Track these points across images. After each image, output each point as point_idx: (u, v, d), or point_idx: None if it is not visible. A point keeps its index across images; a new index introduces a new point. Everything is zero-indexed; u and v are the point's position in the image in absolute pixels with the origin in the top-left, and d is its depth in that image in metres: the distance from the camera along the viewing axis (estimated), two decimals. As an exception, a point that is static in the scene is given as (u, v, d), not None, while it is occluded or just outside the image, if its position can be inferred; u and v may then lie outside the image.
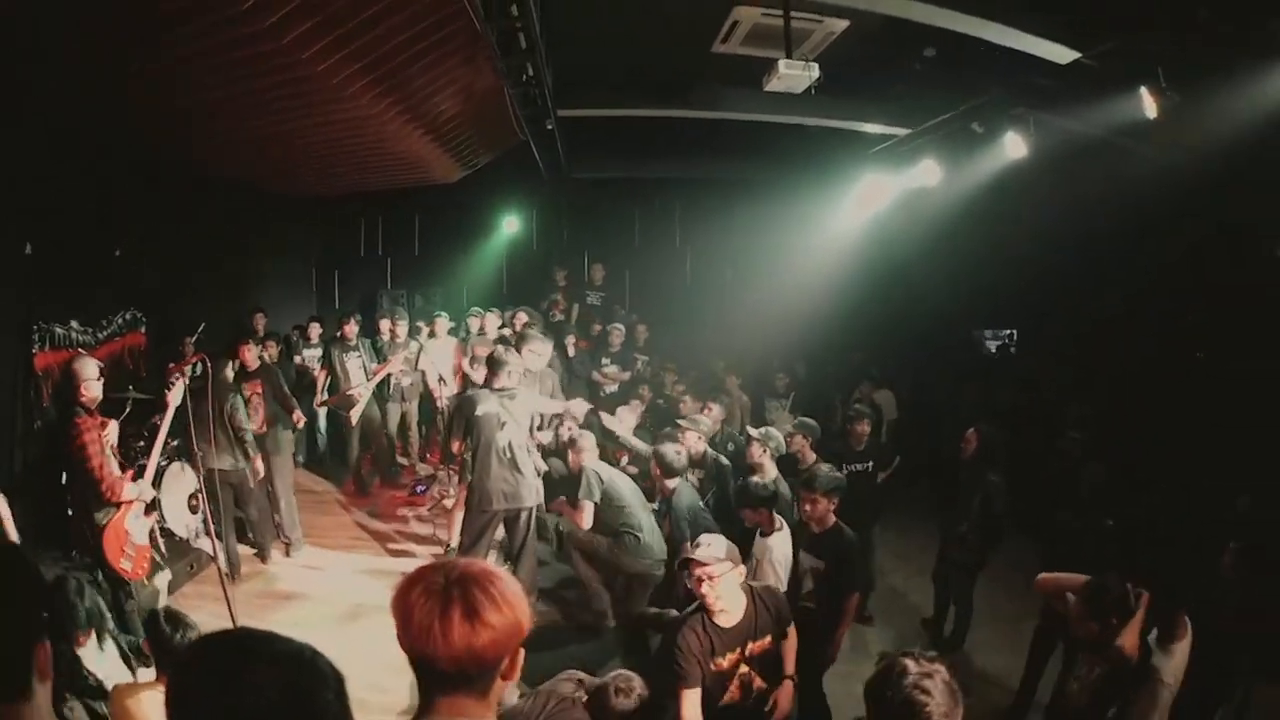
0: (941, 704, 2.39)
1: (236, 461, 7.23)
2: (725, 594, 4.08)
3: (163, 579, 6.43)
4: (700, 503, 6.57)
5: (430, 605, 1.75)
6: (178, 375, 6.91)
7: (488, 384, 6.67)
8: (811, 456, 6.90)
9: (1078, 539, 7.03)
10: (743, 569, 4.26)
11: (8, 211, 6.61)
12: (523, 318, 10.10)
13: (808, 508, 5.23)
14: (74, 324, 7.48)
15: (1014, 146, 7.30)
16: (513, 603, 1.81)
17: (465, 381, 9.41)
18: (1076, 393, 8.90)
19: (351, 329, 9.89)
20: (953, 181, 8.59)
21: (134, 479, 5.71)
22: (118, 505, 5.49)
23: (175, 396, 5.93)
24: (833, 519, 5.24)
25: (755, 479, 5.88)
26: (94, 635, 4.36)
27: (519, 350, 7.27)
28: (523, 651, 1.87)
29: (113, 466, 5.46)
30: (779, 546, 5.41)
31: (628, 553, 6.37)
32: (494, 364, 6.69)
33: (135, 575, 5.81)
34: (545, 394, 7.98)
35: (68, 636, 4.15)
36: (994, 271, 9.68)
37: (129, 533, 5.64)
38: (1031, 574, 4.47)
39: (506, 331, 9.94)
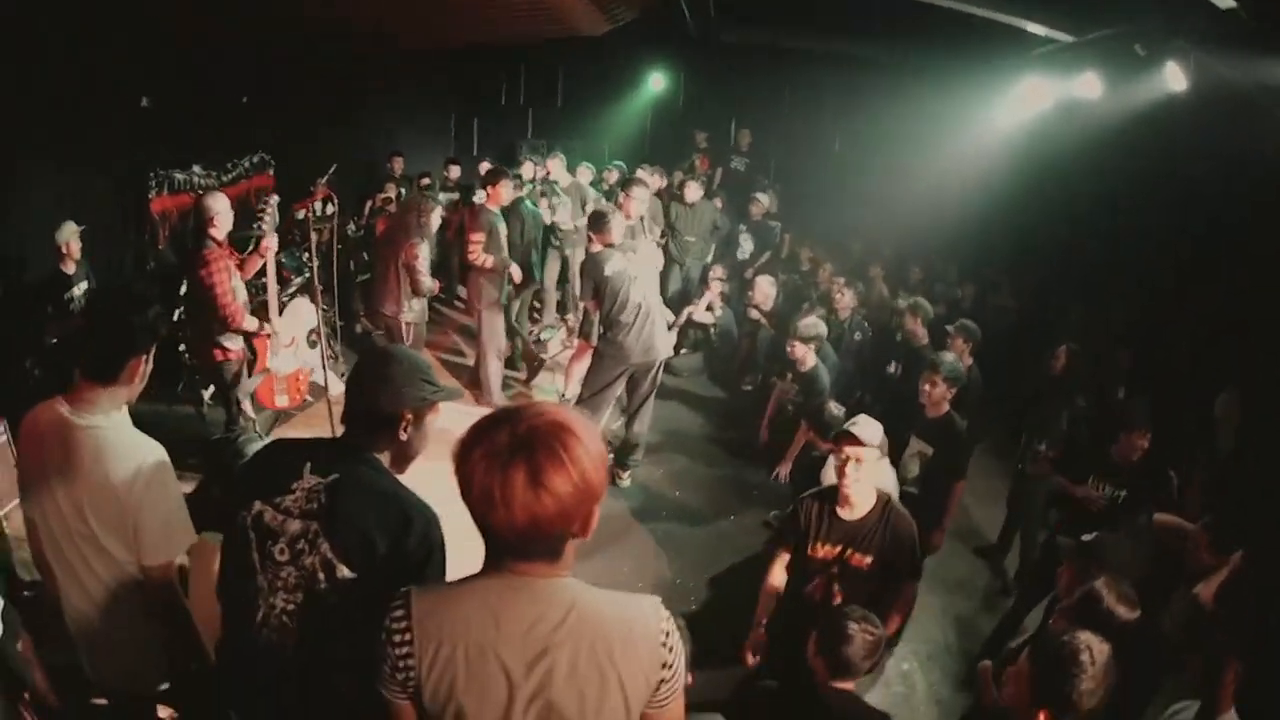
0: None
1: (399, 310, 6.89)
2: (860, 484, 4.03)
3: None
4: None
5: (490, 468, 1.61)
6: (303, 212, 7.09)
7: (606, 243, 6.59)
8: (969, 361, 6.39)
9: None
10: (889, 474, 4.37)
11: (127, 62, 6.80)
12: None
13: (927, 388, 5.29)
14: (196, 169, 7.77)
15: (1174, 78, 6.74)
16: (584, 464, 1.64)
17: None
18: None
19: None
20: (1112, 100, 8.01)
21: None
22: (239, 333, 5.75)
23: (270, 234, 5.92)
24: (947, 406, 5.28)
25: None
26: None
27: (622, 199, 7.34)
28: (597, 511, 1.72)
29: (238, 296, 5.65)
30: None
31: None
32: (599, 223, 6.63)
33: (293, 404, 6.29)
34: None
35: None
36: (1136, 203, 8.94)
37: (274, 372, 5.94)
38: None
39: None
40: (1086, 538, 4.28)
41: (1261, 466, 5.85)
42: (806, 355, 6.91)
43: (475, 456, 1.64)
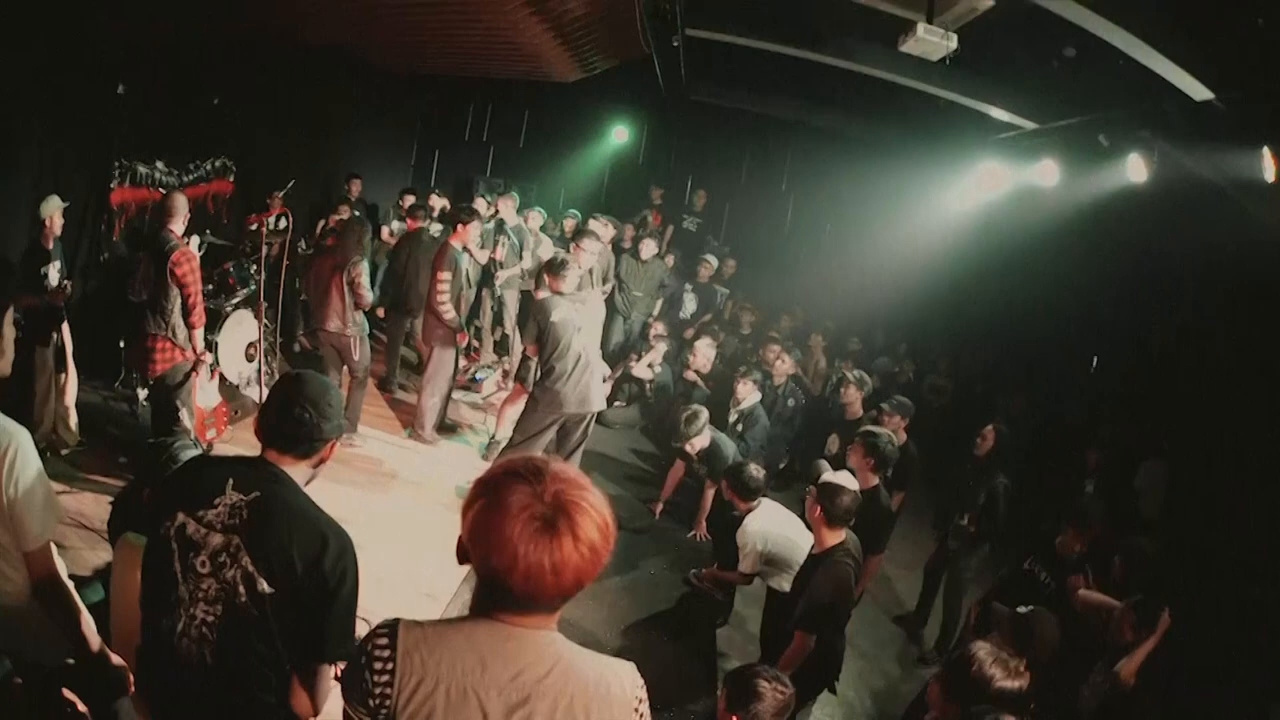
0: None
1: (344, 326, 6.96)
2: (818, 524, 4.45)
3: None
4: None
5: (537, 543, 1.62)
6: (256, 224, 7.07)
7: (557, 290, 6.59)
8: (904, 438, 6.52)
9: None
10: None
11: (107, 49, 6.75)
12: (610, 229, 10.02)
13: (854, 457, 5.35)
14: (159, 164, 7.67)
15: (1135, 170, 6.90)
16: (604, 511, 1.71)
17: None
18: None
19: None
20: (1068, 189, 8.23)
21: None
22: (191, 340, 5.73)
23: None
24: (875, 480, 5.34)
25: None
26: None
27: (574, 249, 7.31)
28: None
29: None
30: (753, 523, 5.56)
31: None
32: (556, 269, 6.64)
33: (220, 434, 6.43)
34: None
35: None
36: (1088, 294, 9.20)
37: (201, 408, 6.06)
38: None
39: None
40: (1023, 610, 4.36)
41: (1186, 542, 6.05)
42: (698, 444, 6.95)
43: (513, 534, 1.62)
